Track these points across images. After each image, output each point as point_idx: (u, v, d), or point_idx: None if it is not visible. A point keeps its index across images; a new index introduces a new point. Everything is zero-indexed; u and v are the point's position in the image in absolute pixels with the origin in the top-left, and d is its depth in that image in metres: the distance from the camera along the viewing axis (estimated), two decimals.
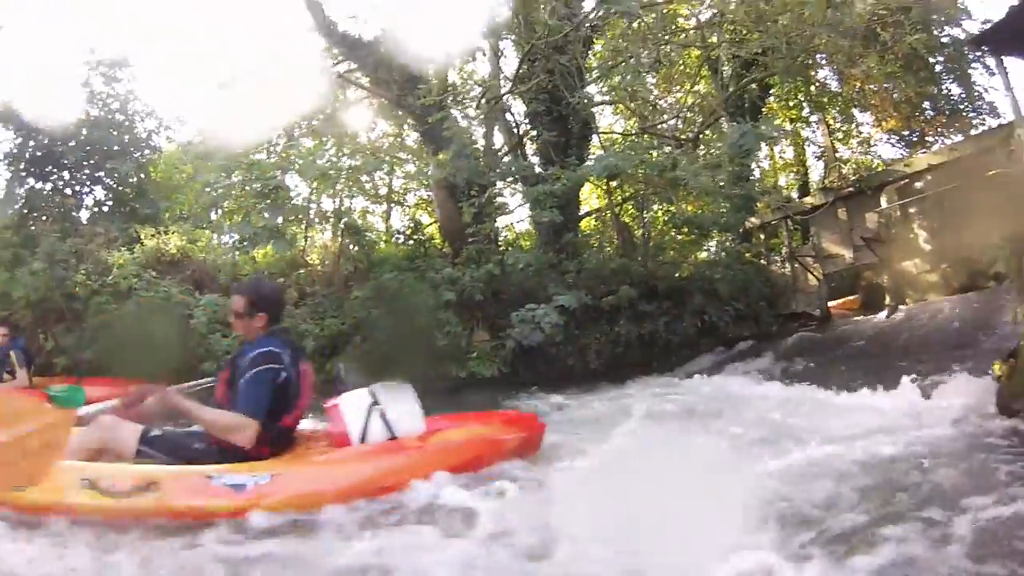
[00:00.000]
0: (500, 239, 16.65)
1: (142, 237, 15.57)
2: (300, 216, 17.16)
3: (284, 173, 17.80)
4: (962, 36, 19.23)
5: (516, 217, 20.07)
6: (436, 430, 5.21)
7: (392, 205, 22.83)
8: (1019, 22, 11.40)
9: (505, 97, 17.63)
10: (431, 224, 20.51)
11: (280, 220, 14.99)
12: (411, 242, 17.41)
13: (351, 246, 15.60)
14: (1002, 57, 13.75)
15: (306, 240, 16.97)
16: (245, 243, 14.80)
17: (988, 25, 14.62)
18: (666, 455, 4.79)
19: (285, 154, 18.28)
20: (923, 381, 8.53)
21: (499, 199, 16.10)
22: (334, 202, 19.69)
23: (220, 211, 19.07)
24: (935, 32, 19.10)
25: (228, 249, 15.82)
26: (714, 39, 18.62)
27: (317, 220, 17.89)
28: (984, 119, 21.26)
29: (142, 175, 18.61)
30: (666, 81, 22.37)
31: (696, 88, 23.29)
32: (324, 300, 14.01)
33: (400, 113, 18.41)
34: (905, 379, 8.93)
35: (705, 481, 3.90)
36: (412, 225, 19.09)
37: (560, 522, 3.63)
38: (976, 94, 21.57)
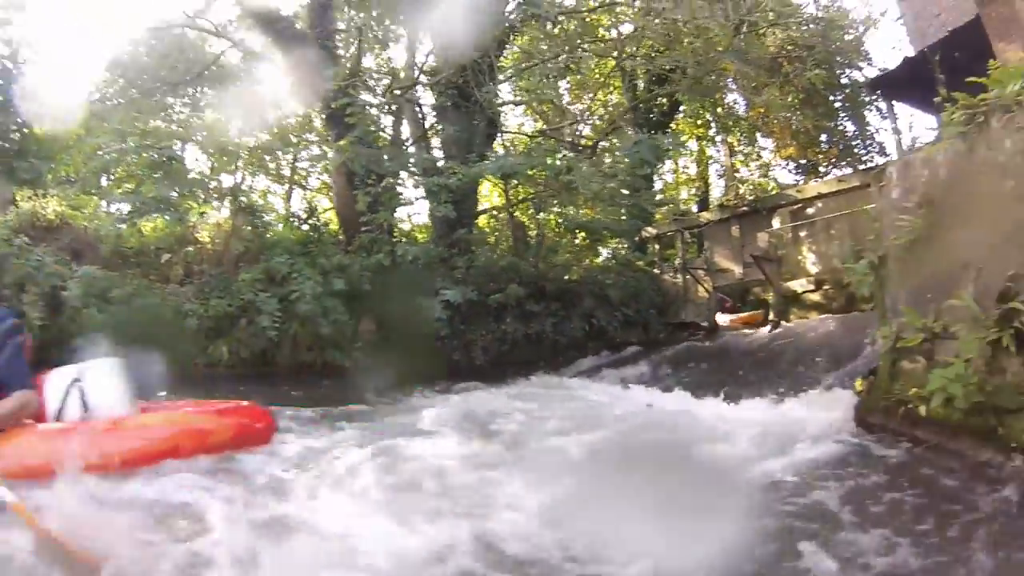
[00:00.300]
0: (396, 230, 16.21)
1: (17, 199, 14.30)
2: (196, 190, 16.45)
3: (183, 144, 17.22)
4: (861, 79, 20.29)
5: (416, 210, 19.95)
6: (144, 413, 4.91)
7: (294, 187, 22.21)
8: (909, 72, 12.14)
9: (415, 88, 17.43)
10: (329, 210, 20.07)
11: (175, 193, 14.43)
12: (306, 226, 17.00)
13: (244, 226, 15.16)
14: (892, 101, 14.62)
15: (199, 216, 16.31)
16: (133, 213, 14.12)
17: (883, 72, 15.38)
18: (387, 468, 4.97)
19: (185, 124, 17.59)
20: (793, 393, 8.91)
21: (397, 189, 15.65)
22: (234, 178, 19.02)
23: (110, 177, 17.94)
24: (837, 72, 20.09)
25: (115, 219, 14.97)
26: (629, 51, 18.87)
27: (214, 196, 17.18)
28: (873, 156, 22.59)
29: (25, 131, 16.70)
30: (579, 88, 22.64)
31: (608, 97, 23.77)
32: (212, 280, 13.21)
33: (307, 95, 17.95)
34: (776, 391, 9.32)
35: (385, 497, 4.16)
36: (308, 209, 18.65)
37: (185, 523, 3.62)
38: (868, 132, 22.86)
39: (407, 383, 11.61)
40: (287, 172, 21.55)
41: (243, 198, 16.27)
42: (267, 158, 19.59)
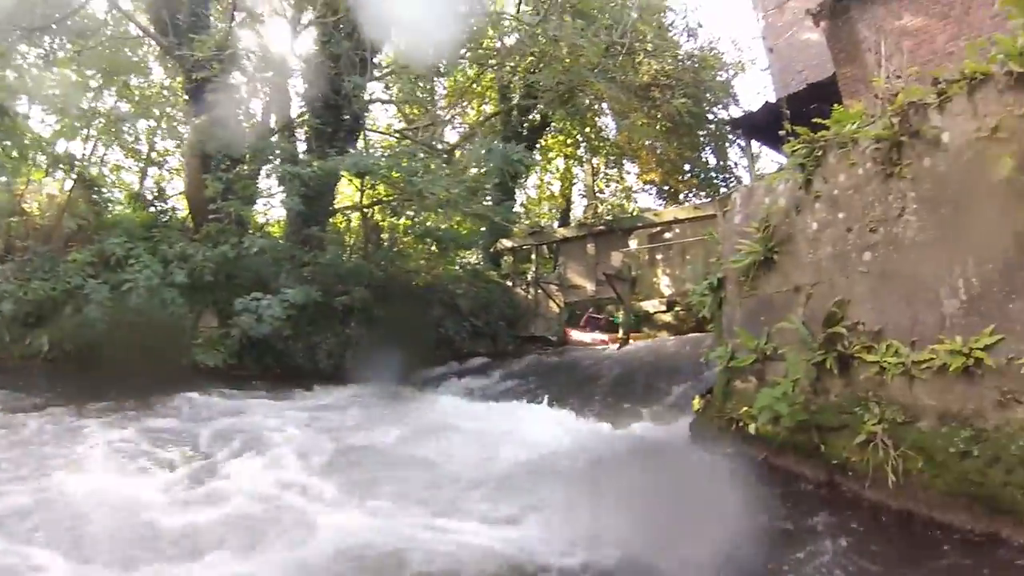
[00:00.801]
0: (250, 222, 14.96)
1: None
2: (32, 153, 14.52)
3: (28, 100, 15.26)
4: (726, 117, 21.43)
5: (274, 203, 18.98)
6: None
7: (150, 166, 20.34)
8: (768, 116, 12.98)
9: (287, 73, 16.52)
10: (181, 194, 18.36)
11: (5, 150, 12.80)
12: (153, 208, 15.38)
13: (82, 200, 13.71)
14: (751, 140, 15.55)
15: (28, 183, 14.53)
16: None
17: (746, 113, 16.30)
18: None
19: (35, 77, 15.42)
20: (636, 408, 9.08)
21: (256, 181, 14.79)
22: (83, 148, 17.05)
23: None
24: (705, 108, 21.06)
25: None
26: (509, 64, 18.95)
27: (52, 163, 15.19)
28: (731, 188, 23.68)
29: None
30: (455, 95, 22.52)
31: (483, 108, 23.81)
32: (36, 258, 11.65)
33: (172, 65, 16.50)
34: (621, 405, 9.53)
35: None
36: (157, 190, 17.15)
37: None
38: (728, 166, 24.08)
39: (245, 386, 11.02)
40: (144, 148, 19.77)
41: (86, 170, 14.67)
42: (125, 128, 17.65)
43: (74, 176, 13.88)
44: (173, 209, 16.14)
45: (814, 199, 5.18)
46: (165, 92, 18.85)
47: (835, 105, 5.54)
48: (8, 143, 12.85)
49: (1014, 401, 3.57)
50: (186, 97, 15.42)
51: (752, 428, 5.23)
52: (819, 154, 5.17)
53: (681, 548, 3.75)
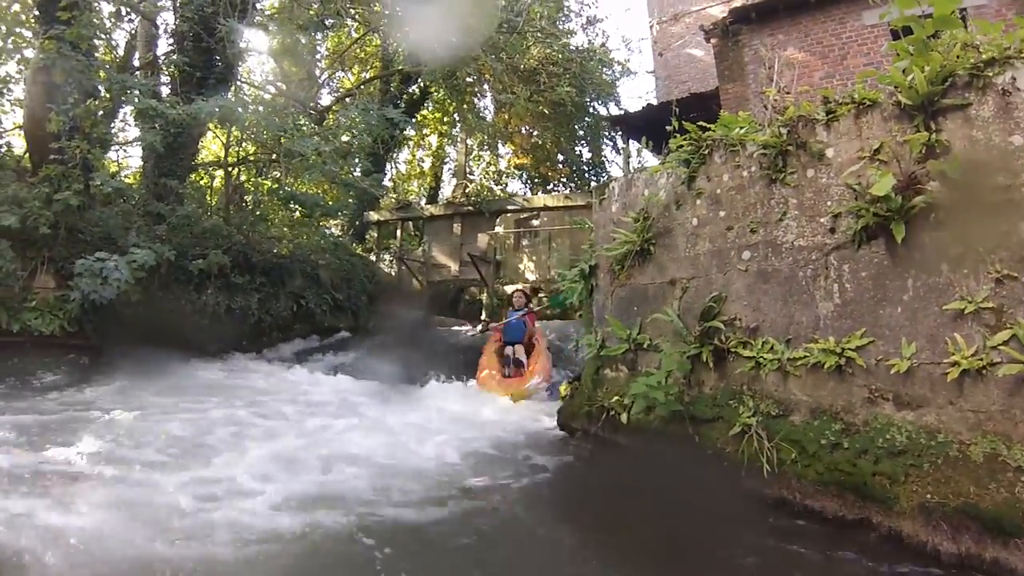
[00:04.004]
0: (96, 168, 12.25)
1: None
2: None
3: None
4: (605, 113, 21.90)
5: (129, 153, 17.53)
6: None
7: None
8: (648, 117, 13.51)
9: (158, 1, 15.08)
10: (17, 128, 16.10)
11: None
12: None
13: None
14: (629, 139, 16.07)
15: None
16: None
17: (625, 112, 16.79)
18: None
19: None
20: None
21: (108, 121, 13.41)
22: None
23: None
24: (586, 101, 21.40)
25: None
26: (396, 32, 18.44)
27: None
28: (600, 182, 24.32)
29: None
30: (335, 56, 21.74)
31: (364, 74, 23.13)
32: None
33: None
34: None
35: None
36: None
37: None
38: (601, 161, 24.64)
39: (83, 356, 10.15)
40: None
41: None
42: None
43: None
44: (8, 145, 14.37)
45: (696, 195, 5.33)
46: (16, 5, 16.62)
47: (720, 114, 5.79)
48: None
49: (881, 398, 3.84)
50: (36, 13, 13.55)
51: (624, 417, 5.32)
52: (705, 152, 5.32)
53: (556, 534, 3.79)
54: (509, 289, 17.34)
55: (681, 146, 5.58)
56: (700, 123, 5.57)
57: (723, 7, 13.64)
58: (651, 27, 16.31)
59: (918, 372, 3.73)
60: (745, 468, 4.24)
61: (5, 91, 16.98)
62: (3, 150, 13.63)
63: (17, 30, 15.84)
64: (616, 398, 5.59)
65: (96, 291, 10.32)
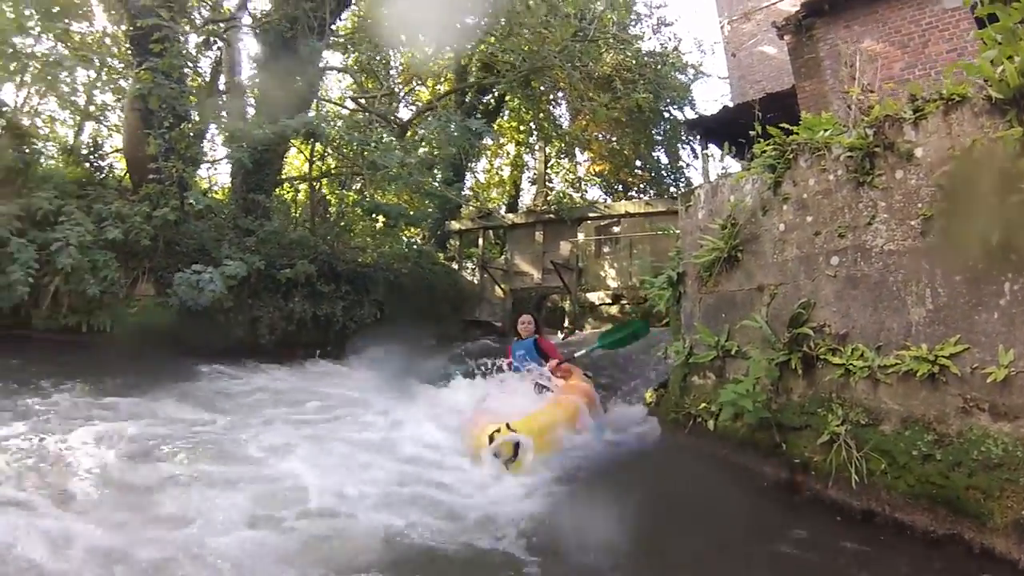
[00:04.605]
0: (190, 186, 13.31)
1: None
2: None
3: None
4: (682, 118, 21.71)
5: (217, 170, 18.38)
6: None
7: (87, 120, 19.04)
8: (726, 120, 13.22)
9: (239, 29, 15.81)
10: (119, 150, 16.72)
11: None
12: (89, 164, 14.32)
13: (8, 149, 12.81)
14: (707, 142, 15.85)
15: None
16: None
17: (701, 115, 16.60)
18: None
19: None
20: None
21: (201, 143, 14.07)
22: (16, 94, 15.77)
23: None
24: (661, 106, 21.27)
25: None
26: (468, 44, 18.76)
27: None
28: (680, 188, 24.05)
29: None
30: (411, 72, 22.20)
31: (438, 88, 23.56)
32: None
33: (116, 9, 15.43)
34: None
35: None
36: (92, 144, 16.03)
37: None
38: (679, 166, 24.38)
39: (182, 358, 10.66)
40: (82, 100, 18.47)
41: (15, 116, 13.65)
42: (62, 76, 16.41)
43: (3, 124, 12.98)
44: (110, 167, 15.28)
45: (782, 201, 5.26)
46: (107, 40, 17.76)
47: (797, 119, 5.69)
48: None
49: (977, 408, 3.70)
50: (129, 46, 14.47)
51: (711, 424, 5.31)
52: (790, 157, 5.25)
53: (643, 539, 3.80)
54: (591, 296, 17.32)
55: (765, 151, 5.53)
56: (782, 125, 5.50)
57: (794, 0, 13.22)
58: (722, 27, 16.01)
59: (1016, 381, 3.56)
60: (833, 478, 4.16)
61: (102, 117, 18.26)
62: (106, 171, 14.50)
63: (110, 61, 16.99)
64: (703, 405, 5.58)
65: (192, 299, 11.10)
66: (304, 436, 6.00)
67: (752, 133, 5.88)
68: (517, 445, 5.30)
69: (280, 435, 5.96)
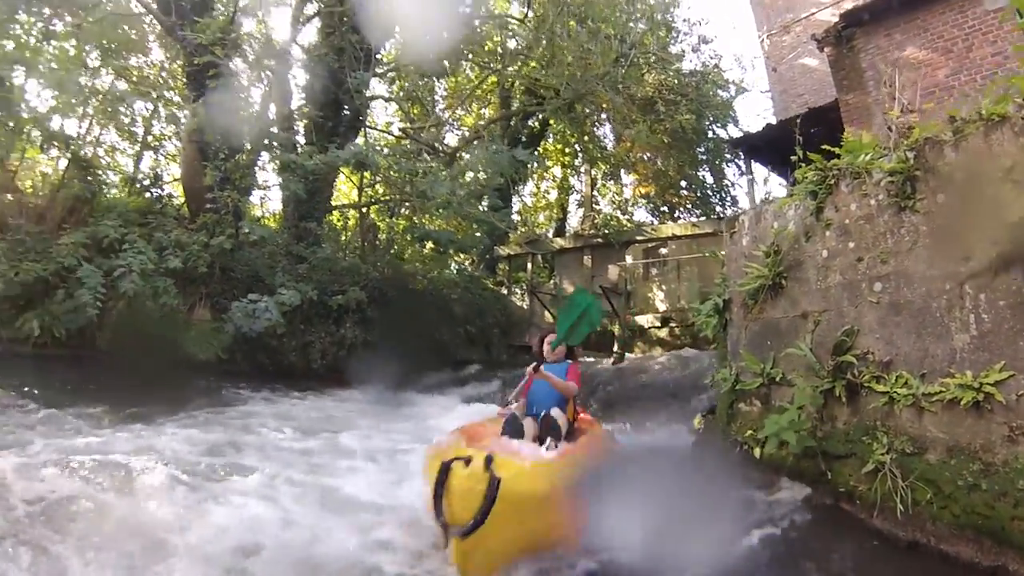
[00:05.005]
0: (244, 215, 14.34)
1: None
2: (27, 128, 14.08)
3: (25, 73, 14.80)
4: (726, 136, 21.59)
5: (269, 195, 18.89)
6: None
7: (146, 150, 19.82)
8: (769, 137, 13.08)
9: (289, 62, 16.39)
10: (177, 180, 17.47)
11: None
12: (148, 194, 15.22)
13: (76, 181, 13.50)
14: (751, 161, 15.68)
15: (22, 159, 14.18)
16: None
17: (746, 133, 16.47)
18: None
19: (32, 49, 14.82)
20: (632, 425, 9.16)
21: (253, 171, 14.57)
22: (79, 126, 16.58)
23: None
24: (705, 125, 21.20)
25: None
26: (512, 68, 19.02)
27: (47, 141, 14.71)
28: (726, 208, 23.97)
29: None
30: (455, 97, 22.56)
31: (482, 112, 23.89)
32: (28, 239, 11.28)
33: (173, 47, 16.18)
34: (619, 421, 9.52)
35: None
36: (152, 176, 16.81)
37: None
38: (725, 185, 24.23)
39: (232, 382, 11.01)
40: (140, 131, 19.24)
41: (80, 149, 14.38)
42: (121, 109, 17.21)
43: (69, 155, 13.62)
44: (169, 196, 15.95)
45: (825, 227, 5.24)
46: (164, 74, 18.50)
47: (841, 132, 5.65)
48: (3, 114, 12.59)
49: (1023, 436, 3.64)
50: (185, 80, 15.15)
51: (757, 452, 5.28)
52: (831, 182, 5.23)
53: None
54: (640, 320, 17.23)
55: (807, 176, 5.52)
56: (824, 147, 5.50)
57: (833, 10, 12.90)
58: (761, 41, 15.86)
59: None
60: (878, 507, 4.12)
61: (160, 147, 19.03)
62: (166, 201, 15.13)
63: (167, 94, 17.71)
64: (750, 432, 5.54)
65: (247, 326, 11.52)
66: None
67: (794, 158, 5.88)
68: (490, 498, 3.45)
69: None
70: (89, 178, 13.26)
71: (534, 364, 5.61)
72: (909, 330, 4.40)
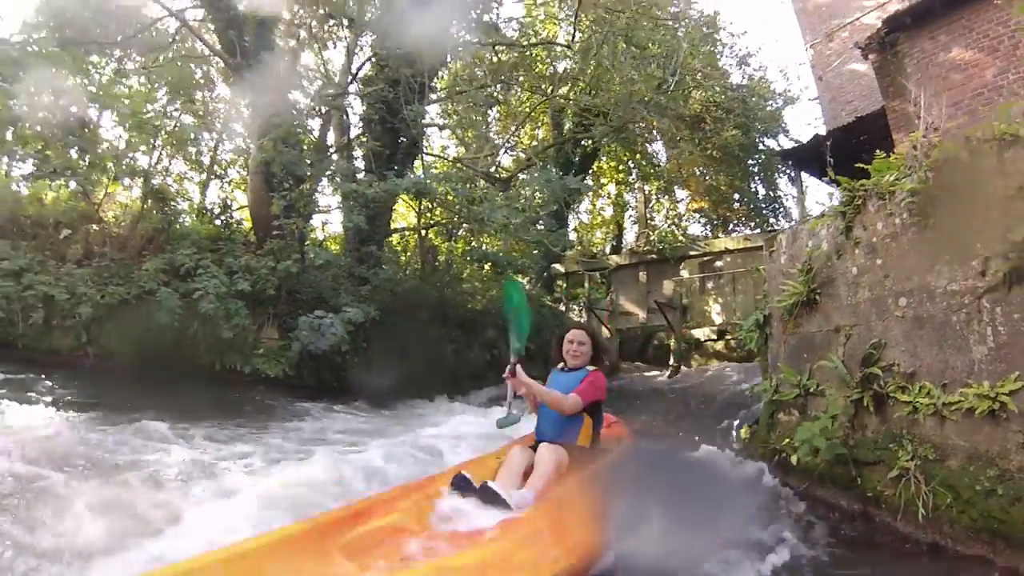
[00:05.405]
0: (307, 239, 15.26)
1: None
2: (107, 163, 15.22)
3: (100, 110, 15.95)
4: (777, 147, 21.51)
5: (330, 218, 19.67)
6: None
7: (212, 177, 20.98)
8: (816, 147, 13.10)
9: (346, 96, 17.16)
10: (243, 207, 18.55)
11: (84, 160, 13.59)
12: (218, 222, 16.14)
13: (154, 211, 14.53)
14: (800, 172, 15.67)
15: (106, 193, 15.36)
16: (36, 175, 13.19)
17: (796, 144, 16.46)
18: None
19: (106, 89, 15.47)
20: (686, 436, 9.43)
21: (313, 196, 15.22)
22: (150, 159, 17.69)
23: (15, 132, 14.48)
24: (755, 137, 21.19)
25: (14, 180, 13.90)
26: (562, 91, 19.43)
27: (125, 174, 15.93)
28: (780, 219, 23.81)
29: None
30: (508, 118, 23.04)
31: (536, 132, 24.34)
32: (112, 265, 12.35)
33: (237, 84, 17.07)
34: (674, 432, 9.76)
35: None
36: (222, 204, 17.60)
37: None
38: (778, 196, 24.09)
39: (297, 396, 11.59)
40: (206, 160, 20.32)
41: (155, 180, 15.44)
42: (188, 141, 18.25)
43: (147, 187, 14.61)
44: (238, 223, 16.84)
45: (854, 245, 5.48)
46: (227, 107, 19.30)
47: (889, 140, 5.80)
48: (87, 153, 13.65)
49: None
50: (249, 114, 15.96)
51: (794, 459, 5.51)
52: (859, 203, 5.48)
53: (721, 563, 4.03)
54: (697, 333, 17.34)
55: (842, 193, 5.76)
56: (857, 165, 5.74)
57: (878, 13, 12.69)
58: (807, 51, 15.78)
59: None
60: (901, 511, 4.34)
61: (225, 175, 20.08)
62: (234, 228, 16.03)
63: (231, 125, 18.65)
64: (787, 440, 5.78)
65: (313, 342, 12.16)
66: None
67: (825, 179, 6.11)
68: None
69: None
70: (166, 209, 14.21)
71: (510, 367, 4.75)
72: (931, 343, 4.62)
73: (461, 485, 4.02)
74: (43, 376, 9.64)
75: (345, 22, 16.52)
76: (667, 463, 6.32)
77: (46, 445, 5.49)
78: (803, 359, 5.98)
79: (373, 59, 16.38)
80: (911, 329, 4.81)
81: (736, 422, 9.64)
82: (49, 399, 8.59)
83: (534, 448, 4.56)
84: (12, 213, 12.73)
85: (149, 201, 14.31)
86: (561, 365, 5.19)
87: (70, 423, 7.19)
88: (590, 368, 5.05)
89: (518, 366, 4.73)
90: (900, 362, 4.85)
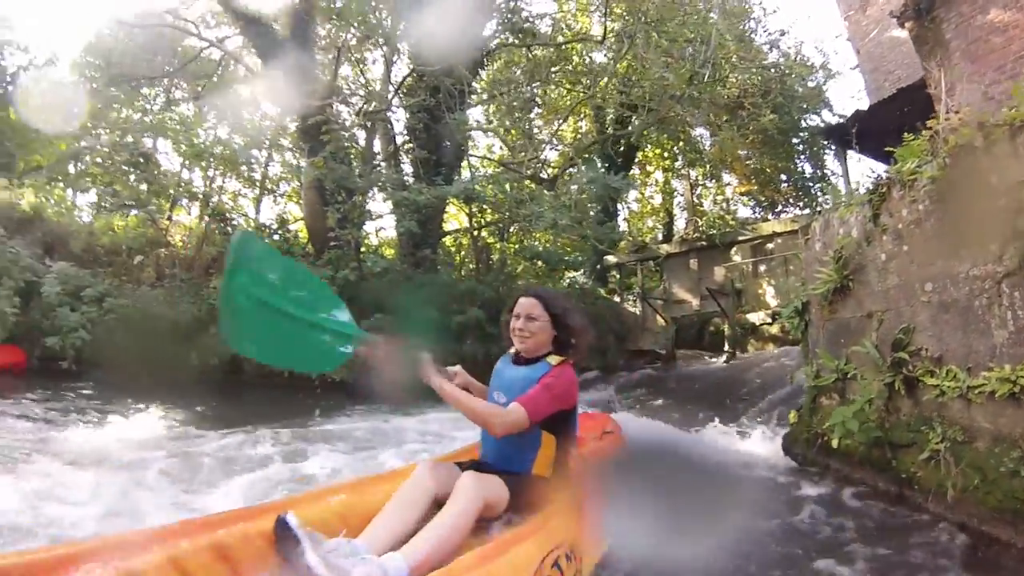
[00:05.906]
0: (363, 247, 16.14)
1: None
2: (169, 189, 16.10)
3: (155, 140, 16.85)
4: (821, 124, 21.14)
5: (383, 224, 20.11)
6: None
7: (265, 193, 21.75)
8: (859, 124, 12.91)
9: (390, 107, 17.61)
10: (299, 220, 19.58)
11: (145, 188, 14.50)
12: (276, 236, 16.91)
13: (216, 231, 15.32)
14: (846, 149, 15.40)
15: (170, 219, 16.27)
16: (104, 207, 14.14)
17: (840, 119, 16.16)
18: None
19: (159, 119, 16.40)
20: (738, 422, 9.39)
21: (366, 206, 15.90)
22: (204, 181, 18.61)
23: (80, 165, 15.99)
24: (797, 116, 20.84)
25: (84, 212, 14.91)
26: (601, 83, 19.52)
27: (185, 197, 16.88)
28: (828, 198, 23.23)
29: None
30: (550, 113, 23.15)
31: (579, 124, 24.44)
32: (182, 284, 13.40)
33: (282, 105, 17.69)
34: (727, 419, 9.85)
35: None
36: (279, 220, 18.58)
37: None
38: (825, 175, 23.62)
39: (373, 400, 12.05)
40: (258, 176, 20.97)
41: (213, 201, 16.29)
42: (240, 160, 18.93)
43: (205, 208, 15.42)
44: (295, 236, 17.56)
45: (881, 232, 5.60)
46: (274, 124, 19.87)
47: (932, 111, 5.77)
48: (151, 184, 14.51)
49: None
50: (297, 131, 16.68)
51: (834, 443, 5.67)
52: (884, 191, 5.59)
53: (763, 547, 4.22)
54: (752, 317, 17.26)
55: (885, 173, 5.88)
56: (887, 149, 5.85)
57: None
58: (844, 22, 15.37)
59: None
60: (933, 492, 4.49)
61: (276, 190, 20.82)
62: (292, 241, 16.91)
63: (279, 141, 19.32)
64: (827, 424, 5.93)
65: None
66: None
67: (849, 162, 6.21)
68: None
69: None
70: (228, 229, 14.93)
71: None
72: (956, 327, 4.74)
73: (283, 535, 2.36)
74: (148, 393, 10.16)
75: (381, 40, 16.95)
76: (673, 461, 6.51)
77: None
78: (840, 344, 6.12)
79: (412, 72, 16.78)
80: (937, 314, 4.93)
81: (777, 406, 9.71)
82: (162, 413, 9.32)
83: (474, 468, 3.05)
84: (87, 244, 13.60)
85: (210, 221, 15.04)
86: (513, 351, 3.59)
87: (220, 434, 7.97)
88: (552, 361, 3.32)
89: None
90: (928, 346, 4.97)
